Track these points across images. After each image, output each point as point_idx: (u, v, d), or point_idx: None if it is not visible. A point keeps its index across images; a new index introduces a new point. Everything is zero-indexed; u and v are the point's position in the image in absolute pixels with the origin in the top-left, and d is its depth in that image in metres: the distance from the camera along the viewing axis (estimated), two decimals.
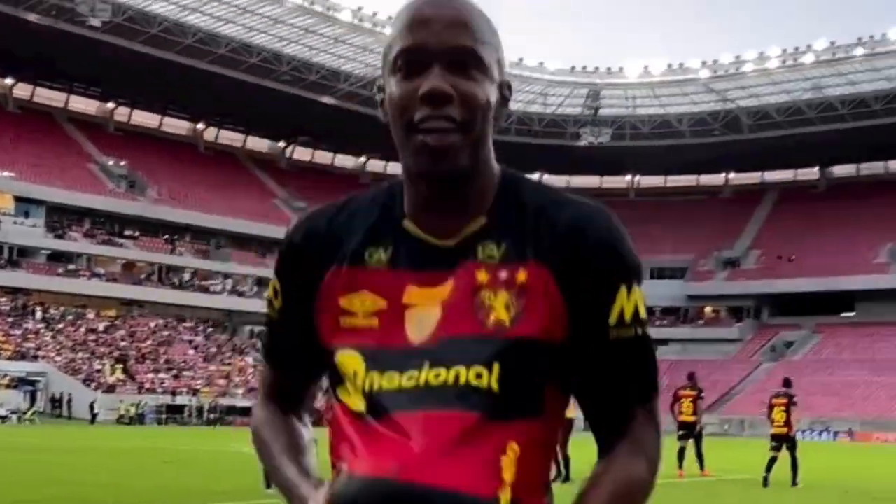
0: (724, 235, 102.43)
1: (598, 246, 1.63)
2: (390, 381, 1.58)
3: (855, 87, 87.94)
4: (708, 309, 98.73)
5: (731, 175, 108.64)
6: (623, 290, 1.65)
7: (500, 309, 1.60)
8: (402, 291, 1.64)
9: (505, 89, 1.70)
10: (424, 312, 1.62)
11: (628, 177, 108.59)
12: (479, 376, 1.56)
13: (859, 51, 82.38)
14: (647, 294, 1.66)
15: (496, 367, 1.57)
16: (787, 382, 20.38)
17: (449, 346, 1.59)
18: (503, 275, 1.62)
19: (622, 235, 1.66)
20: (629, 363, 1.67)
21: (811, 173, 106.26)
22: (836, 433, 72.80)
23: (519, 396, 1.58)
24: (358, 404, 1.59)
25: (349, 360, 1.63)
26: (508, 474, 1.54)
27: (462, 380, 1.56)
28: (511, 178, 1.71)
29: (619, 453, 1.67)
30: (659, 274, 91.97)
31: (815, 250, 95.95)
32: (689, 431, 20.80)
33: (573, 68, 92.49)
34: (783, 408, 19.68)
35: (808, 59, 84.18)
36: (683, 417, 20.79)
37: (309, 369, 1.80)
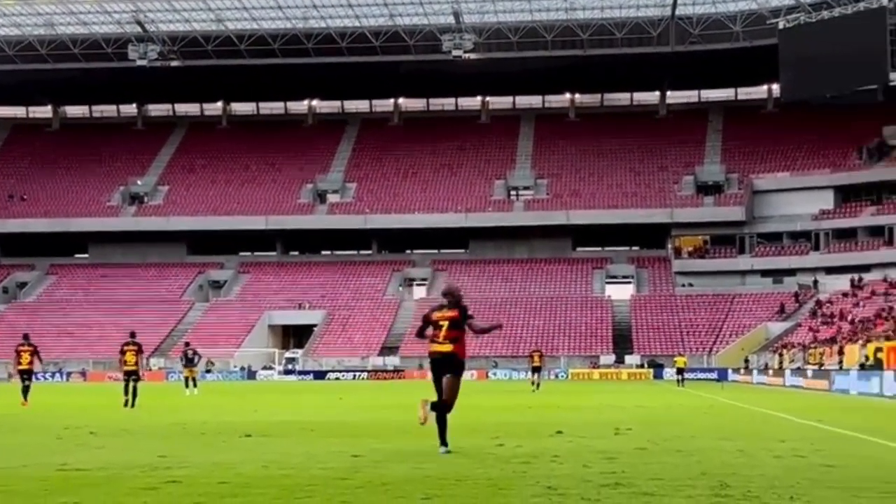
0: None
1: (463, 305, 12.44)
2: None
3: (87, 28, 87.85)
4: None
5: None
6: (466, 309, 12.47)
7: (452, 314, 12.26)
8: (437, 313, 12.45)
9: (467, 313, 12.41)
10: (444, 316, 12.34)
11: None
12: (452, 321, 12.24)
13: None
14: None
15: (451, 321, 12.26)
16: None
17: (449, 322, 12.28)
18: (454, 312, 12.28)
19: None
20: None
21: (80, 110, 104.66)
22: (69, 374, 73.01)
23: (457, 327, 12.24)
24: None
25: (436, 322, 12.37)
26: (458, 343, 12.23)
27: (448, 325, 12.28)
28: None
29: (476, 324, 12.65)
30: None
31: (49, 190, 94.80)
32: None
33: None
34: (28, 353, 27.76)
35: None
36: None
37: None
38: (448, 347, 12.10)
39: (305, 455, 12.12)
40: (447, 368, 12.11)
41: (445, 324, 12.15)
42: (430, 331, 12.43)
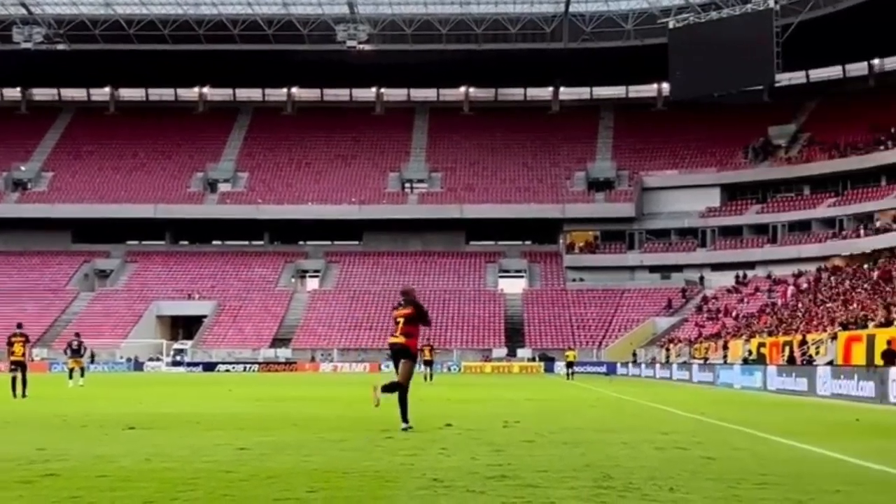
0: None
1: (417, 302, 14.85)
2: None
3: None
4: None
5: None
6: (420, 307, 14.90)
7: (407, 311, 14.58)
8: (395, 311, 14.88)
9: (422, 311, 14.81)
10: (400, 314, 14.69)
11: None
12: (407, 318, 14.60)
13: None
14: None
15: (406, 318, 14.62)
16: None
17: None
18: (409, 310, 14.57)
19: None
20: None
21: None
22: None
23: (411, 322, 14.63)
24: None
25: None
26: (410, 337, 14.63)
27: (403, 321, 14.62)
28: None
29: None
30: None
31: None
32: None
33: None
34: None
35: None
36: None
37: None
38: (401, 340, 14.54)
39: (190, 448, 11.91)
40: (401, 356, 14.52)
41: (402, 320, 14.64)
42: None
